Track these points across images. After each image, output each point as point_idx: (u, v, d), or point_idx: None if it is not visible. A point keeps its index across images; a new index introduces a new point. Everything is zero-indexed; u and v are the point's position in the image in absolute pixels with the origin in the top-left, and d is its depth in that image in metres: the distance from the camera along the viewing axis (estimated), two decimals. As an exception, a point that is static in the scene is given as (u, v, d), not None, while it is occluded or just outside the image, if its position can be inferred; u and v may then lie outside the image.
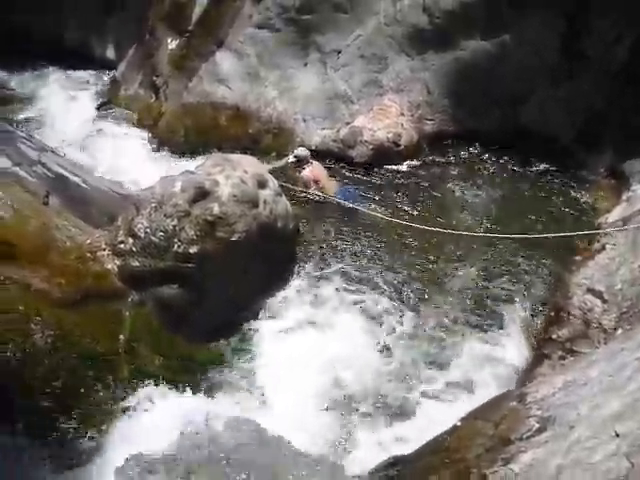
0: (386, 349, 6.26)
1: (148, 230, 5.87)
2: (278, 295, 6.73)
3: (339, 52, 9.39)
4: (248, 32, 9.53)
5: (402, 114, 9.20)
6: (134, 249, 5.83)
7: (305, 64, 9.53)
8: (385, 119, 9.07)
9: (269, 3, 9.36)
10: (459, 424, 4.61)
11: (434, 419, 5.41)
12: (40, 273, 5.21)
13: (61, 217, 5.89)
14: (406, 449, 4.99)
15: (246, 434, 5.20)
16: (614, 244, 6.19)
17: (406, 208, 8.13)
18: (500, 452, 3.88)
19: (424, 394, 5.89)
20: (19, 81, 12.09)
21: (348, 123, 9.21)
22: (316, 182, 8.18)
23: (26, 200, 5.68)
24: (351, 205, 7.96)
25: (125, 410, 5.27)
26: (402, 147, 9.02)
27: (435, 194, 8.41)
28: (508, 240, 7.25)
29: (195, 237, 5.88)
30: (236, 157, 6.71)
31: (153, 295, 5.82)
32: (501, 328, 6.41)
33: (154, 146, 9.68)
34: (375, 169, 8.89)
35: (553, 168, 8.64)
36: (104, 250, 5.84)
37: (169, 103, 10.00)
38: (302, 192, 8.18)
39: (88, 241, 5.86)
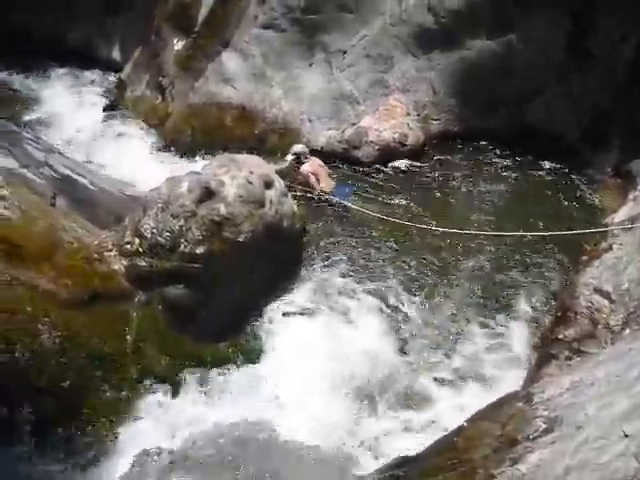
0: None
1: (155, 230, 5.88)
2: (284, 294, 6.73)
3: (345, 52, 9.39)
4: (254, 32, 9.54)
5: (408, 114, 9.20)
6: (141, 249, 5.85)
7: (311, 64, 9.53)
8: (391, 119, 9.07)
9: (274, 3, 9.37)
10: (466, 425, 4.61)
11: (445, 405, 5.56)
12: (47, 274, 5.23)
13: (68, 218, 5.91)
14: (416, 437, 5.04)
15: (253, 433, 5.22)
16: (621, 244, 6.17)
17: (411, 207, 8.13)
18: (507, 452, 3.88)
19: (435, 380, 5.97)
20: (25, 83, 12.13)
21: (354, 123, 9.22)
22: (315, 176, 8.21)
23: (33, 201, 5.70)
24: (348, 204, 7.99)
25: (132, 410, 5.29)
26: (408, 147, 9.02)
27: (441, 193, 8.40)
28: (509, 238, 7.28)
29: (201, 237, 5.89)
30: (242, 157, 6.72)
31: (160, 295, 5.83)
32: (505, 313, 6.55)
33: (160, 147, 9.69)
34: (381, 169, 8.89)
35: (559, 167, 8.63)
36: (111, 251, 5.86)
37: (175, 104, 10.01)
38: (304, 191, 8.21)
39: (95, 242, 5.88)
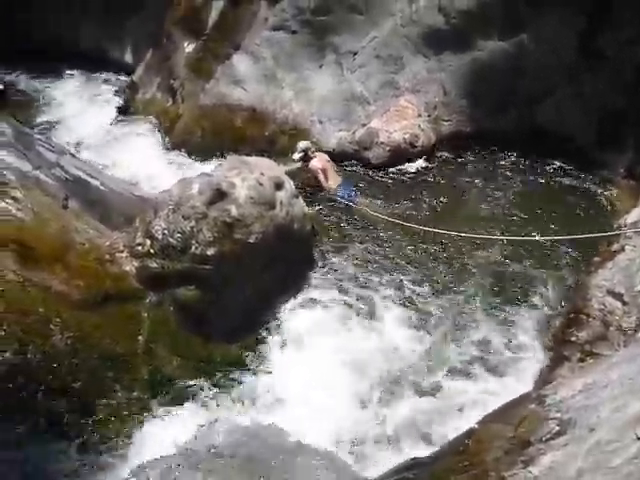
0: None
1: (166, 232, 5.90)
2: (296, 295, 6.74)
3: (355, 53, 9.40)
4: (264, 34, 9.56)
5: (419, 115, 9.19)
6: (152, 251, 5.88)
7: (321, 65, 9.55)
8: (402, 120, 9.06)
9: (285, 5, 9.39)
10: (477, 427, 4.58)
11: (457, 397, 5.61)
12: (60, 275, 5.26)
13: (80, 220, 5.94)
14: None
15: (263, 435, 5.21)
16: (634, 245, 6.12)
17: (422, 208, 8.13)
18: (519, 455, 3.85)
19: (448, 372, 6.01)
20: (37, 85, 12.22)
21: (364, 124, 9.22)
22: (323, 172, 8.25)
23: (46, 203, 5.73)
24: (363, 208, 8.02)
25: (144, 411, 5.30)
26: (419, 148, 9.01)
27: (451, 194, 8.39)
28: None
29: (212, 239, 5.90)
30: (253, 159, 6.73)
31: (171, 296, 5.85)
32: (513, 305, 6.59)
33: (171, 148, 9.73)
34: (391, 170, 8.88)
35: (570, 168, 8.60)
36: (122, 252, 5.89)
37: (186, 105, 10.05)
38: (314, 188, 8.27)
39: (107, 243, 5.91)
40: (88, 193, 6.47)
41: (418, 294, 6.86)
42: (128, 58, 12.33)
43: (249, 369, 6.00)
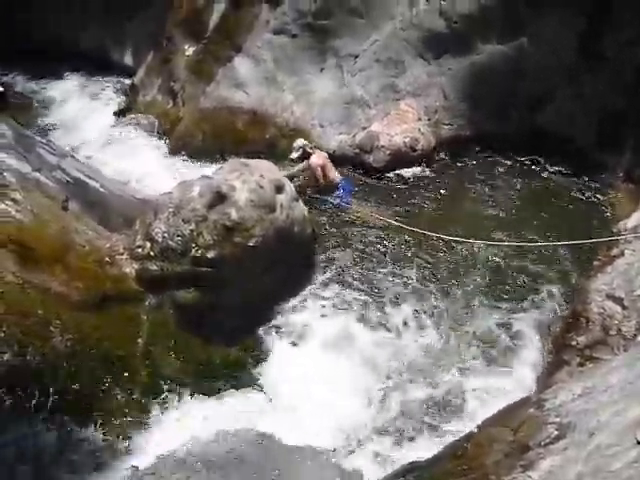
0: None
1: (166, 234, 5.91)
2: (296, 298, 6.73)
3: (356, 57, 9.40)
4: (265, 37, 9.57)
5: (419, 119, 9.19)
6: (152, 253, 5.88)
7: (322, 69, 9.55)
8: (402, 124, 9.06)
9: (286, 8, 9.40)
10: (476, 430, 4.59)
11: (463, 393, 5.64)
12: (59, 277, 5.27)
13: (80, 221, 5.95)
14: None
15: (264, 438, 5.21)
16: (633, 249, 6.12)
17: (422, 211, 8.14)
18: (519, 459, 3.85)
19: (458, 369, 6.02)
20: (37, 86, 12.23)
21: (365, 128, 9.21)
22: (322, 168, 8.27)
23: (46, 205, 5.74)
24: (361, 210, 8.04)
25: (143, 413, 5.30)
26: (419, 152, 9.01)
27: (451, 198, 8.39)
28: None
29: (212, 242, 5.91)
30: (253, 162, 6.73)
31: (171, 299, 5.86)
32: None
33: (172, 151, 9.73)
34: (391, 173, 8.89)
35: (570, 171, 8.58)
36: (122, 254, 5.90)
37: (186, 108, 10.06)
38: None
39: (107, 245, 5.92)
40: (88, 195, 6.48)
41: (420, 294, 6.85)
42: (129, 60, 12.34)
43: (249, 372, 6.00)
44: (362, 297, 6.81)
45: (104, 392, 5.16)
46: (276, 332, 6.38)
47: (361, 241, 7.61)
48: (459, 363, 6.10)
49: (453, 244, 7.36)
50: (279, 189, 6.53)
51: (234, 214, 6.03)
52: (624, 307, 5.51)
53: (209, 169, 7.75)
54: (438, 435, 5.42)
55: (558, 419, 4.03)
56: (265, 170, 6.57)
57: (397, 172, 8.89)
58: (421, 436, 5.50)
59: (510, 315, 6.54)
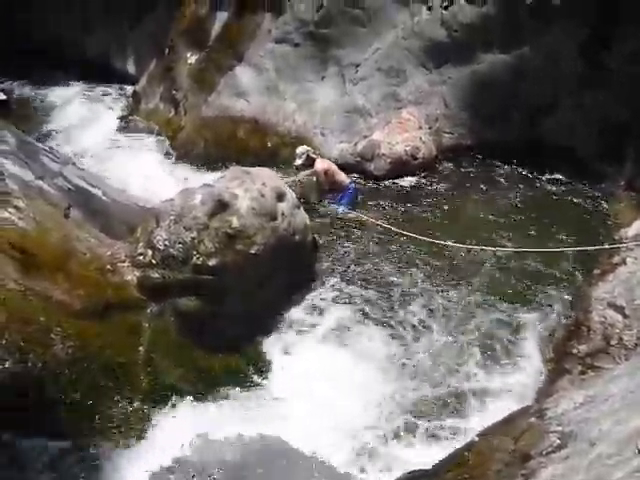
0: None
1: (167, 242, 5.92)
2: (297, 307, 6.73)
3: (357, 66, 9.45)
4: (267, 47, 9.63)
5: (420, 127, 9.23)
6: (153, 261, 5.89)
7: (323, 78, 9.61)
8: (403, 132, 9.10)
9: (288, 18, 9.47)
10: (477, 439, 4.57)
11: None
12: (61, 284, 5.27)
13: (82, 229, 5.96)
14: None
15: (267, 445, 5.21)
16: (635, 258, 6.12)
17: (423, 218, 8.16)
18: (520, 468, 3.83)
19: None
20: (40, 94, 12.29)
21: (366, 136, 9.26)
22: (327, 173, 8.30)
23: (48, 212, 5.76)
24: (363, 217, 8.07)
25: (144, 421, 5.29)
26: (420, 160, 9.04)
27: (451, 206, 8.40)
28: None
29: (214, 250, 5.91)
30: (254, 170, 6.74)
31: (172, 306, 5.85)
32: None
33: (174, 159, 9.77)
34: (392, 181, 8.91)
35: (571, 180, 8.62)
36: (124, 262, 5.90)
37: (188, 116, 10.11)
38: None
39: (108, 253, 5.92)
40: (90, 203, 6.50)
41: (422, 303, 6.82)
42: (131, 68, 12.41)
43: (250, 380, 5.98)
44: (364, 305, 6.80)
45: (105, 399, 5.15)
46: (278, 340, 6.37)
47: (362, 248, 7.62)
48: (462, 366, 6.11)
49: (455, 251, 7.36)
50: (280, 197, 6.55)
51: (235, 222, 6.03)
52: (625, 316, 5.51)
53: (211, 177, 7.76)
54: (439, 437, 5.42)
55: (559, 428, 4.01)
56: (266, 178, 6.58)
57: (398, 180, 8.93)
58: (421, 438, 5.49)
59: (510, 319, 6.54)
